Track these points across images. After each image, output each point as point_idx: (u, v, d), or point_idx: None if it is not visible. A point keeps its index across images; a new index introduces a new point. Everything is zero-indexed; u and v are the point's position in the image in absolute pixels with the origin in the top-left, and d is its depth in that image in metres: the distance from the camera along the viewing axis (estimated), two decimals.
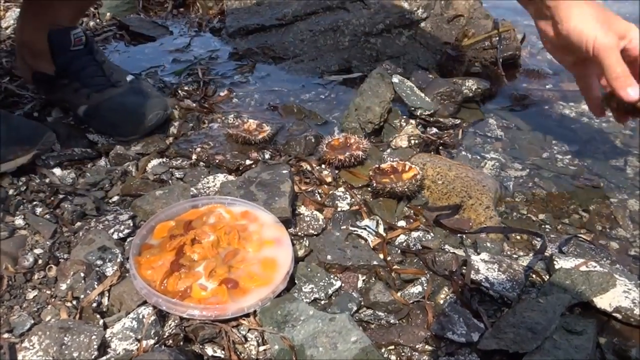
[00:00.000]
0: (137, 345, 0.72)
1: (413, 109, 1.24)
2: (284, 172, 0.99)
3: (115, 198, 1.02)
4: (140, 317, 0.74)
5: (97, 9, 1.87)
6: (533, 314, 0.77)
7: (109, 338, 0.73)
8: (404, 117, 1.25)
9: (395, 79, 1.25)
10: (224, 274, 0.77)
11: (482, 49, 1.46)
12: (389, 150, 1.17)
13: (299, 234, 0.93)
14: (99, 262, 0.84)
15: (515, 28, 1.48)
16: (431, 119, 1.24)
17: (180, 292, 0.75)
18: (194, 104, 1.32)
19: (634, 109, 0.95)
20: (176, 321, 0.75)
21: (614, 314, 0.80)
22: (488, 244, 0.93)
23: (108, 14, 1.85)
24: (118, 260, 0.84)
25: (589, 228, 1.01)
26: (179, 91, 1.37)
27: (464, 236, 0.95)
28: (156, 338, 0.73)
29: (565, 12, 0.98)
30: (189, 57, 1.59)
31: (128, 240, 0.90)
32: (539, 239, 0.96)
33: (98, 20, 1.83)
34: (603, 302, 0.81)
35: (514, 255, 0.93)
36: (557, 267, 0.87)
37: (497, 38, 1.43)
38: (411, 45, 1.48)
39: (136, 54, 1.63)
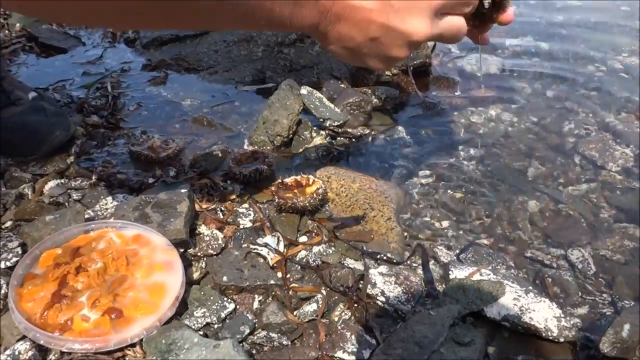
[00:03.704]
0: None
1: (322, 120, 1.24)
2: (183, 191, 0.97)
3: (9, 223, 0.97)
4: (17, 353, 0.71)
5: (6, 20, 1.79)
6: (423, 328, 0.78)
7: None
8: (315, 128, 1.25)
9: (304, 91, 1.24)
10: (109, 304, 0.75)
11: None
12: (297, 163, 1.16)
13: (198, 254, 0.91)
14: None
15: None
16: (340, 129, 1.24)
17: (61, 324, 0.72)
18: (101, 120, 1.28)
19: (487, 16, 0.85)
20: (57, 355, 0.72)
21: (502, 323, 0.82)
22: (389, 255, 0.94)
23: (18, 24, 1.77)
24: (2, 292, 0.81)
25: (490, 232, 1.03)
26: (86, 106, 1.33)
27: (364, 249, 0.95)
28: None
29: None
30: (100, 69, 1.54)
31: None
32: (440, 246, 0.98)
33: (7, 31, 1.76)
34: (493, 310, 0.82)
35: (414, 265, 0.94)
36: (451, 276, 0.89)
37: None
38: (324, 55, 1.48)
39: (45, 67, 1.57)
